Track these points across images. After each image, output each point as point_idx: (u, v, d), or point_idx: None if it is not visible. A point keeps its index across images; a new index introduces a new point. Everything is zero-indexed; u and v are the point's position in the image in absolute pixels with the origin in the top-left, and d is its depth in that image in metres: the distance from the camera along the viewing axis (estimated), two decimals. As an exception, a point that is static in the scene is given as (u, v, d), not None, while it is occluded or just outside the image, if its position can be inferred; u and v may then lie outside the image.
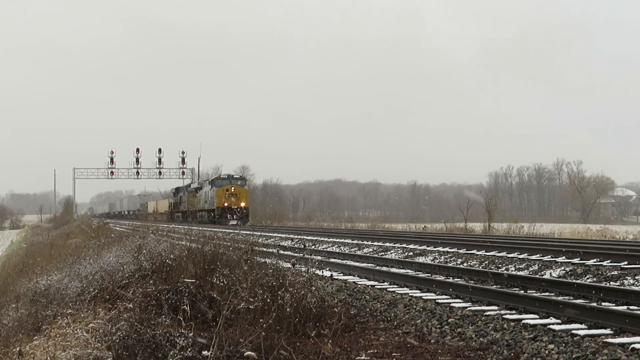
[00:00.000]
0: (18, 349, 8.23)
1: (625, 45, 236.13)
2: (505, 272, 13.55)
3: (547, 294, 10.64)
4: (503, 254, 16.38)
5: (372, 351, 7.62)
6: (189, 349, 7.11)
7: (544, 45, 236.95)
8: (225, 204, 52.75)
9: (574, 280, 11.98)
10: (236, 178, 55.85)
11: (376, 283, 13.02)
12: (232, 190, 53.36)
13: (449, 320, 9.03)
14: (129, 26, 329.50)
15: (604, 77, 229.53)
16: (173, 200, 77.14)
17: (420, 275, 13.67)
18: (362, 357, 7.34)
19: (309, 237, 27.96)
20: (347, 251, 21.12)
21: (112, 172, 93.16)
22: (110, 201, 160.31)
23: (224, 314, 6.86)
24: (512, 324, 8.44)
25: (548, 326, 8.11)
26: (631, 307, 9.06)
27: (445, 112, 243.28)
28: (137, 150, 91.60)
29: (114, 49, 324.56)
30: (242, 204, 53.56)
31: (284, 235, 29.98)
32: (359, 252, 20.42)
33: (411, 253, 18.70)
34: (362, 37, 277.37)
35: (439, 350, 7.63)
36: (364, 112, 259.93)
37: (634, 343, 6.97)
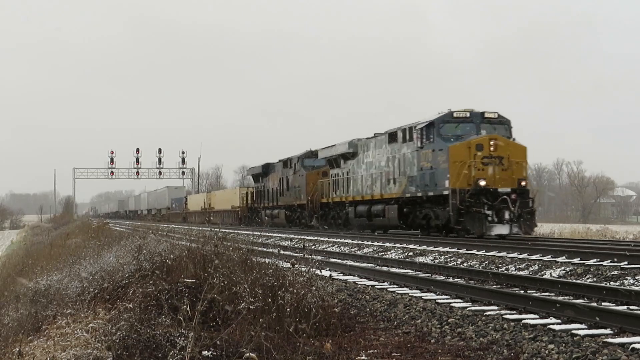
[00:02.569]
0: (18, 349, 8.23)
1: (627, 44, 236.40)
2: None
3: (547, 294, 10.65)
4: (503, 254, 16.37)
5: (372, 351, 7.62)
6: (189, 350, 7.10)
7: (546, 45, 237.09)
8: (481, 182, 21.92)
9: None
10: (491, 118, 23.90)
11: (376, 283, 13.02)
12: (492, 147, 22.31)
13: (449, 320, 9.03)
14: (129, 26, 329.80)
15: (605, 76, 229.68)
16: (254, 187, 46.61)
17: (420, 275, 13.68)
18: (362, 357, 7.34)
19: (309, 237, 27.94)
20: (347, 251, 21.12)
21: (112, 172, 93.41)
22: (119, 198, 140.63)
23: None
24: (512, 323, 8.45)
25: (548, 326, 8.11)
26: (631, 307, 9.06)
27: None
28: (137, 150, 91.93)
29: (114, 48, 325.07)
30: (522, 182, 22.59)
31: (284, 235, 29.96)
32: (359, 252, 20.41)
33: (411, 253, 18.69)
34: (364, 36, 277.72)
35: (439, 350, 7.63)
36: (364, 111, 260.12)
37: (634, 343, 6.97)
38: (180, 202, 76.78)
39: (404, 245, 20.71)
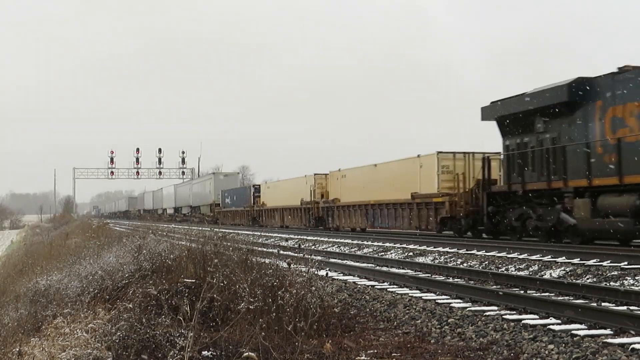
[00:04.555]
0: (18, 349, 8.23)
1: (632, 44, 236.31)
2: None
3: (546, 294, 10.66)
4: (503, 254, 16.37)
5: (372, 351, 7.62)
6: (195, 349, 7.10)
7: (550, 45, 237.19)
8: None
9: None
10: None
11: (376, 283, 13.02)
12: None
13: (449, 320, 9.03)
14: (130, 28, 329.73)
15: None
16: (518, 145, 20.34)
17: (420, 275, 13.68)
18: (362, 357, 7.33)
19: (309, 237, 27.95)
20: (347, 251, 21.11)
21: (112, 172, 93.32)
22: (129, 195, 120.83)
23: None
24: (512, 324, 8.45)
25: (548, 326, 8.11)
26: (631, 307, 9.06)
27: (448, 113, 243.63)
28: (137, 150, 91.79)
29: (115, 49, 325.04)
30: None
31: (284, 236, 29.97)
32: (358, 252, 20.41)
33: (411, 253, 18.69)
34: (366, 36, 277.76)
35: (439, 351, 7.63)
36: (365, 110, 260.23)
37: (634, 343, 6.97)
38: (240, 195, 51.64)
39: (404, 245, 20.72)
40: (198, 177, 71.51)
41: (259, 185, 50.48)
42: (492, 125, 22.01)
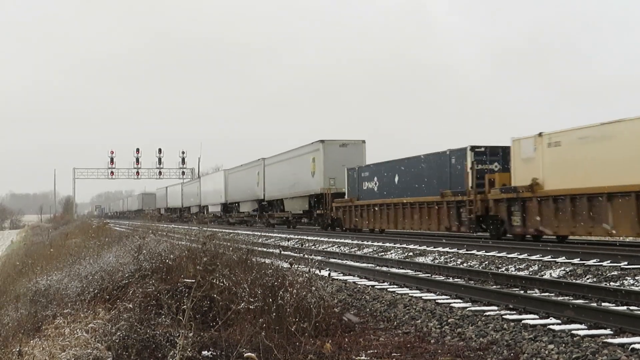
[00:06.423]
0: (18, 349, 8.23)
1: (633, 44, 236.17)
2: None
3: (546, 294, 10.66)
4: (503, 254, 16.36)
5: (372, 351, 7.61)
6: (189, 349, 7.10)
7: (551, 45, 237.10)
8: None
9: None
10: None
11: (376, 283, 13.01)
12: None
13: (449, 320, 9.03)
14: (130, 28, 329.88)
15: (612, 77, 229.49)
16: None
17: (420, 275, 13.68)
18: (362, 357, 7.33)
19: (309, 237, 27.93)
20: (347, 251, 21.09)
21: (112, 172, 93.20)
22: (142, 192, 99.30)
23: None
24: (512, 324, 8.44)
25: (548, 326, 8.11)
26: (631, 307, 9.06)
27: (448, 113, 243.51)
28: (137, 150, 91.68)
29: (115, 49, 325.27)
30: None
31: (284, 236, 29.95)
32: (358, 252, 20.39)
33: (411, 253, 18.68)
34: (366, 36, 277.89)
35: (439, 351, 7.63)
36: (365, 110, 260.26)
37: (634, 343, 6.97)
38: (420, 172, 26.16)
39: (404, 245, 20.70)
40: (288, 151, 39.15)
41: (489, 147, 23.06)
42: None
